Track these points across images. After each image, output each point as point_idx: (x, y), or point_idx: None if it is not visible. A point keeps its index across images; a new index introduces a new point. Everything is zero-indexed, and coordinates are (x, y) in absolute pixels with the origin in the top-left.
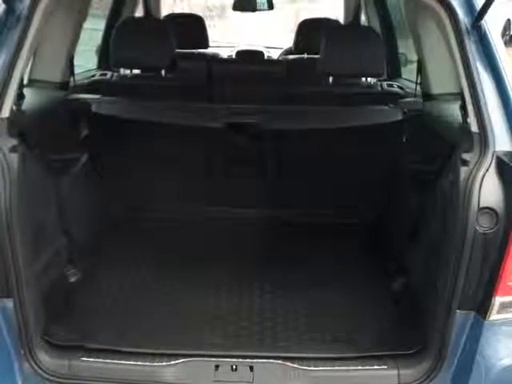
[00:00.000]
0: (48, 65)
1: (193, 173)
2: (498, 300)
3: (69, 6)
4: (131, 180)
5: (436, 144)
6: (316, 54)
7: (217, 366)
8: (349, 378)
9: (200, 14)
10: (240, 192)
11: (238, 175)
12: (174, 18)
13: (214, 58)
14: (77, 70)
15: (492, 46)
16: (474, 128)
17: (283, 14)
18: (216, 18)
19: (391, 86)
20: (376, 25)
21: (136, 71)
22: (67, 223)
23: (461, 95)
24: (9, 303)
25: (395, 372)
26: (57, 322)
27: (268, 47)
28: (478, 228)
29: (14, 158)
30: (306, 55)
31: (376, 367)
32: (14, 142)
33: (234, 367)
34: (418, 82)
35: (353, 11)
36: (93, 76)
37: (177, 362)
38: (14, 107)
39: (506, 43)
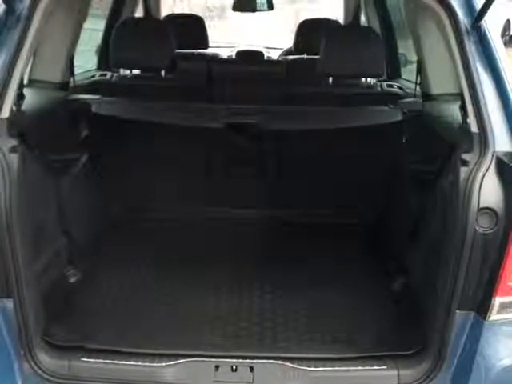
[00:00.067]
0: (48, 65)
1: (193, 173)
2: (497, 300)
3: (69, 6)
4: (131, 180)
5: (436, 144)
6: (316, 54)
7: (217, 367)
8: (348, 378)
9: (200, 14)
10: (240, 192)
11: (238, 175)
12: (173, 18)
13: (214, 58)
14: (77, 71)
15: (492, 47)
16: (474, 128)
17: (283, 14)
18: (216, 19)
19: (391, 86)
20: (376, 25)
21: (136, 71)
22: (67, 223)
23: (460, 95)
24: (9, 303)
25: (395, 372)
26: (57, 322)
27: (268, 47)
28: (477, 228)
29: (13, 158)
30: (305, 56)
31: (376, 367)
32: (13, 142)
33: (234, 367)
34: (418, 82)
35: (352, 12)
36: (93, 76)
37: (177, 362)
38: (14, 107)
39: (505, 44)
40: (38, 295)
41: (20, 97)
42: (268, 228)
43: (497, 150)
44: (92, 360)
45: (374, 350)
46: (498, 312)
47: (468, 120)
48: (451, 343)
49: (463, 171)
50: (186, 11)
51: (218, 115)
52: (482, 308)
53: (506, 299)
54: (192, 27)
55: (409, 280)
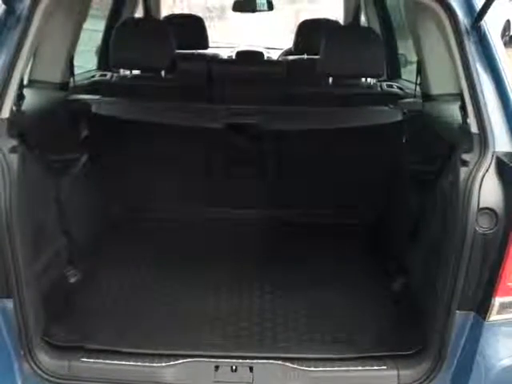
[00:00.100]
0: (48, 65)
1: (193, 173)
2: (497, 300)
3: (69, 7)
4: (131, 180)
5: (436, 144)
6: (316, 54)
7: (217, 367)
8: (348, 378)
9: (200, 14)
10: (240, 192)
11: (238, 176)
12: (173, 18)
13: (214, 58)
14: (77, 71)
15: (492, 47)
16: (474, 129)
17: (283, 14)
18: (216, 19)
19: (391, 86)
20: (376, 25)
21: (136, 72)
22: (67, 223)
23: (460, 96)
24: (9, 303)
25: (395, 372)
26: (57, 322)
27: (268, 48)
28: (477, 228)
29: (13, 158)
30: (305, 56)
31: (376, 368)
32: (13, 142)
33: (234, 368)
34: (418, 82)
35: (352, 12)
36: (93, 77)
37: (176, 362)
38: (14, 108)
39: (505, 44)
40: (38, 295)
41: (20, 97)
42: (268, 228)
43: (497, 150)
44: (92, 360)
45: (373, 350)
46: (498, 312)
47: (468, 120)
48: (451, 343)
49: (463, 171)
50: (186, 12)
51: (217, 115)
52: (482, 308)
53: (506, 299)
54: (192, 27)
55: (409, 280)
